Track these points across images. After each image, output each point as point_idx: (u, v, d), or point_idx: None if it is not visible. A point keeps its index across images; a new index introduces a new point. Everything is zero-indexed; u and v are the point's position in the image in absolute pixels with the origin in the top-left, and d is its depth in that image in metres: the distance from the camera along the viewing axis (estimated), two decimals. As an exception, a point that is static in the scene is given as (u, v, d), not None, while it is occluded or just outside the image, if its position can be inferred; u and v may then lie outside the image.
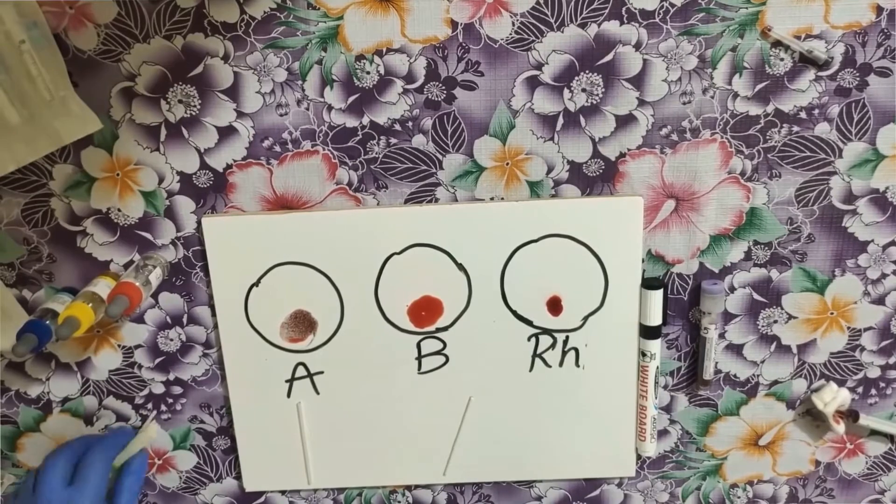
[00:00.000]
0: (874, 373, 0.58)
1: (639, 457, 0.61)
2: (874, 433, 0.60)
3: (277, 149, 0.53)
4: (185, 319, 0.57)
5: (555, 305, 0.55)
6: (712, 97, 0.51)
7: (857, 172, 0.53)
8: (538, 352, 0.57)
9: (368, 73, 0.51)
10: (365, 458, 0.60)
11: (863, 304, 0.56)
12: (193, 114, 0.52)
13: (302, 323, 0.56)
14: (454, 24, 0.50)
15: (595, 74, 0.51)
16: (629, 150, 0.53)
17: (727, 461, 0.61)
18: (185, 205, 0.54)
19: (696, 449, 0.61)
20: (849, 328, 0.57)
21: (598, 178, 0.53)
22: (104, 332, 0.57)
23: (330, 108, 0.52)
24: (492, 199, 0.54)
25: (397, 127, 0.52)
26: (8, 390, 0.59)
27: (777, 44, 0.50)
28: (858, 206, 0.54)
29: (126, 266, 0.55)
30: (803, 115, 0.52)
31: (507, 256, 0.54)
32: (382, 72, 0.51)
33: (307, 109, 0.52)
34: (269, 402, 0.58)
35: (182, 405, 0.60)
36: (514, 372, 0.57)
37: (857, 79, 0.51)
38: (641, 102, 0.51)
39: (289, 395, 0.58)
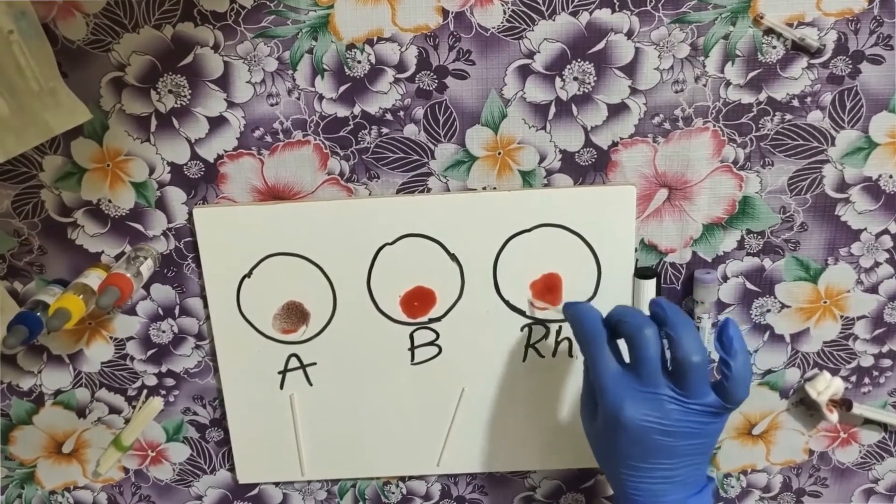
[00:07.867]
0: (867, 361, 0.58)
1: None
2: (867, 422, 0.60)
3: (268, 139, 0.52)
4: (177, 311, 0.57)
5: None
6: (704, 85, 0.51)
7: (850, 160, 0.53)
8: (531, 342, 0.57)
9: (359, 62, 0.51)
10: (358, 450, 0.60)
11: (856, 293, 0.56)
12: (184, 104, 0.51)
13: (294, 314, 0.56)
14: (445, 13, 0.50)
15: (587, 63, 0.51)
16: (621, 138, 0.52)
17: (720, 450, 0.61)
18: (176, 196, 0.54)
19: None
20: (842, 317, 0.57)
21: (591, 167, 0.53)
22: (96, 324, 0.57)
23: (321, 97, 0.51)
24: (484, 188, 0.54)
25: (389, 116, 0.52)
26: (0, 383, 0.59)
27: (769, 31, 0.50)
28: (851, 195, 0.54)
29: (117, 257, 0.55)
30: (796, 102, 0.51)
31: (499, 246, 0.54)
32: (373, 61, 0.51)
33: (298, 99, 0.51)
34: (261, 393, 0.58)
35: (175, 397, 0.59)
36: (508, 362, 0.57)
37: (850, 66, 0.51)
38: (633, 91, 0.51)
39: (282, 387, 0.58)
